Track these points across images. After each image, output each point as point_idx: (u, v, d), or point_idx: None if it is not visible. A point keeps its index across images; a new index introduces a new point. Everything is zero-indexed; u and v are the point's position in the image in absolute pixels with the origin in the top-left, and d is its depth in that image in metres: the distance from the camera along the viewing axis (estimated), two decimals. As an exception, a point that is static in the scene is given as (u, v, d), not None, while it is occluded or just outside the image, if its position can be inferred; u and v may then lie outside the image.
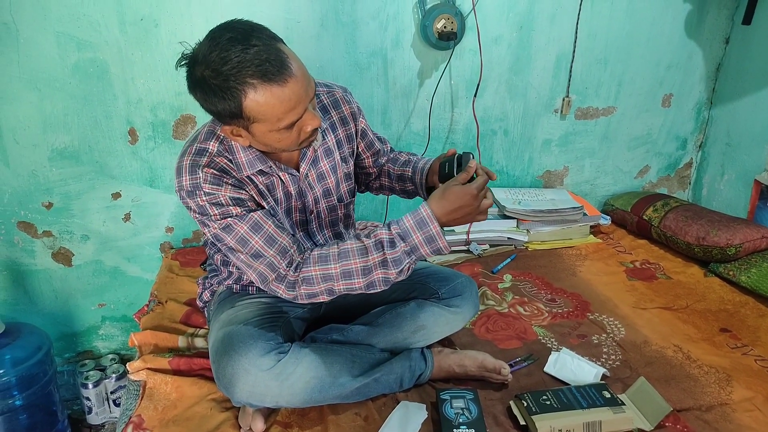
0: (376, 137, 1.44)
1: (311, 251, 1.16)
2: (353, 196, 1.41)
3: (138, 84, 1.78)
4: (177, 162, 1.15)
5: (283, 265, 1.14)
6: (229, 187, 1.13)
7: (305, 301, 1.17)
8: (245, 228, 1.13)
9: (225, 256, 1.27)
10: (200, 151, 1.14)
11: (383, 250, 1.10)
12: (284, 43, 1.02)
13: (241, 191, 1.15)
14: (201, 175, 1.11)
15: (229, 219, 1.12)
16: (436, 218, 1.09)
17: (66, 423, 1.89)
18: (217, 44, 0.96)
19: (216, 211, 1.12)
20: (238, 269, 1.30)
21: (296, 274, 1.13)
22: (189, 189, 1.11)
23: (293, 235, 1.21)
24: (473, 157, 1.18)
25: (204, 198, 1.11)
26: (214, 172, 1.12)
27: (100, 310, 2.04)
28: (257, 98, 0.98)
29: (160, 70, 1.79)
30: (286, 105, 1.00)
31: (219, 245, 1.17)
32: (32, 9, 1.62)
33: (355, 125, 1.34)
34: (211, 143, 1.15)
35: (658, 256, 2.05)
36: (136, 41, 1.73)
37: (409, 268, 1.12)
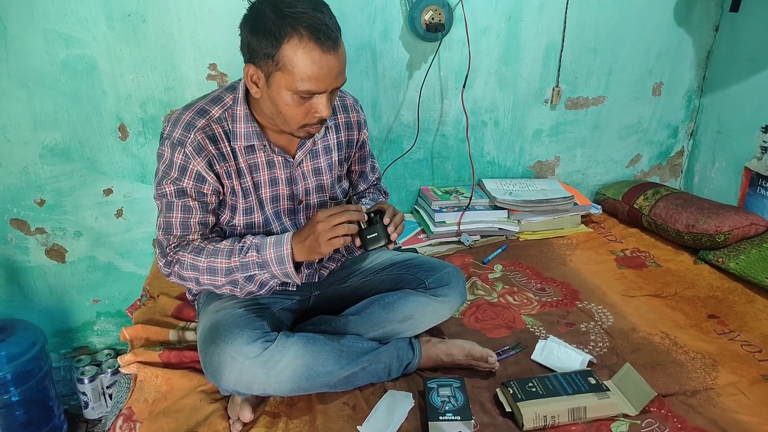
0: (371, 160, 1.50)
1: (197, 240, 1.22)
2: (345, 197, 1.45)
3: (127, 80, 1.79)
4: (178, 112, 1.19)
5: (172, 246, 1.21)
6: (205, 161, 1.17)
7: (178, 281, 1.24)
8: (178, 203, 1.19)
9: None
10: (202, 111, 1.18)
11: (237, 255, 1.16)
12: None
13: (210, 173, 1.18)
14: (191, 136, 1.15)
15: (173, 187, 1.18)
16: (290, 243, 1.15)
17: (62, 418, 1.91)
18: None
19: (175, 175, 1.17)
20: None
21: (174, 254, 1.20)
22: (175, 141, 1.15)
23: (207, 234, 1.26)
24: (380, 218, 1.21)
25: (179, 157, 1.15)
26: (204, 138, 1.16)
27: (94, 305, 2.05)
28: (297, 48, 1.02)
29: (149, 66, 1.79)
30: (315, 70, 1.04)
31: (156, 201, 1.22)
32: (19, 6, 1.62)
33: (359, 134, 1.39)
34: (216, 108, 1.19)
35: (649, 244, 2.06)
36: (124, 37, 1.74)
37: (260, 282, 1.18)
